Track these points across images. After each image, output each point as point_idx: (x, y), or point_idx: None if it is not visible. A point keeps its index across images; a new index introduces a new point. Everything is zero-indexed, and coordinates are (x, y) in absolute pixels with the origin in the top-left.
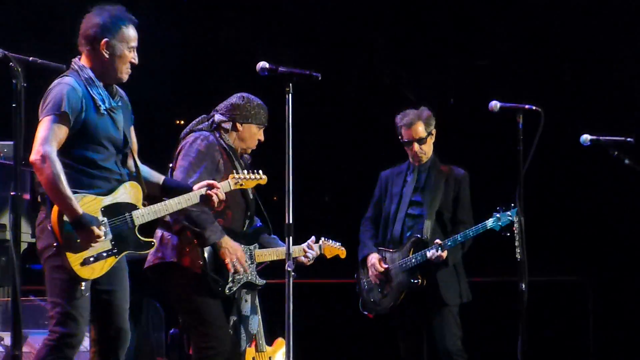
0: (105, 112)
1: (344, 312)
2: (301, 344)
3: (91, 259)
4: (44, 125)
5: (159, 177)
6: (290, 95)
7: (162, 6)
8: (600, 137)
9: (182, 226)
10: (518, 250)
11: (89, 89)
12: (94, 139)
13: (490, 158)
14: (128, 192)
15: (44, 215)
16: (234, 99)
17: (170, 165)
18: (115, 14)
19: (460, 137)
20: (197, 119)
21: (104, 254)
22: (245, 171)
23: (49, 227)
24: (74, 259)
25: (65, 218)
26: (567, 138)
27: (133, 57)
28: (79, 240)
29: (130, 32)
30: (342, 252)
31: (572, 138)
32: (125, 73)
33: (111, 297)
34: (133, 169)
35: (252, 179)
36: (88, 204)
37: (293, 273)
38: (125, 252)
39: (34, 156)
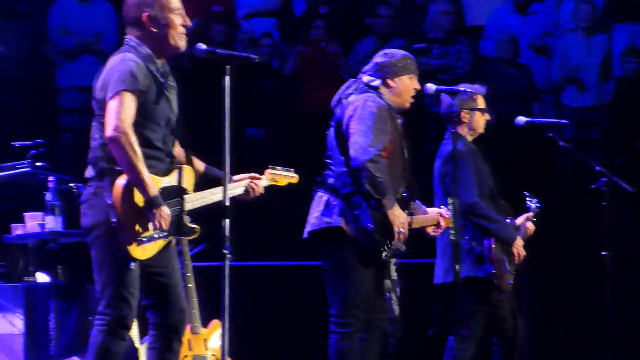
0: (163, 91)
1: (281, 295)
2: (237, 327)
3: (144, 239)
4: (118, 101)
5: (200, 165)
6: (227, 77)
7: None
8: (535, 120)
9: (351, 190)
10: (452, 232)
11: (148, 65)
12: (152, 117)
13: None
14: (182, 176)
15: (93, 191)
16: (378, 58)
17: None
18: None
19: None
20: (345, 85)
21: (156, 236)
22: (278, 167)
23: (108, 202)
24: (130, 239)
25: (131, 196)
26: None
27: (182, 21)
28: (141, 220)
29: None
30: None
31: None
32: (180, 40)
33: (167, 279)
34: (183, 152)
35: (286, 175)
36: None
37: (229, 255)
38: (173, 236)
39: (113, 132)
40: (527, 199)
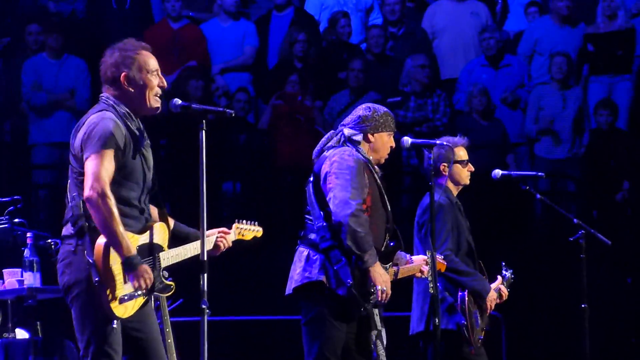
0: (141, 149)
1: (260, 350)
2: None
3: (125, 297)
4: (96, 161)
5: (170, 221)
6: (203, 132)
7: None
8: (512, 172)
9: (330, 244)
10: (431, 285)
11: (127, 124)
12: (130, 176)
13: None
14: (157, 233)
15: (72, 249)
16: (361, 111)
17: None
18: (125, 47)
19: None
20: (325, 136)
21: (136, 294)
22: (244, 221)
23: (90, 261)
24: (111, 297)
25: (112, 255)
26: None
27: (159, 82)
28: (121, 278)
29: (145, 58)
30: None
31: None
32: (155, 101)
33: (145, 334)
34: (156, 210)
35: (252, 230)
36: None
37: (207, 310)
38: (150, 294)
39: (90, 192)
40: (502, 268)
